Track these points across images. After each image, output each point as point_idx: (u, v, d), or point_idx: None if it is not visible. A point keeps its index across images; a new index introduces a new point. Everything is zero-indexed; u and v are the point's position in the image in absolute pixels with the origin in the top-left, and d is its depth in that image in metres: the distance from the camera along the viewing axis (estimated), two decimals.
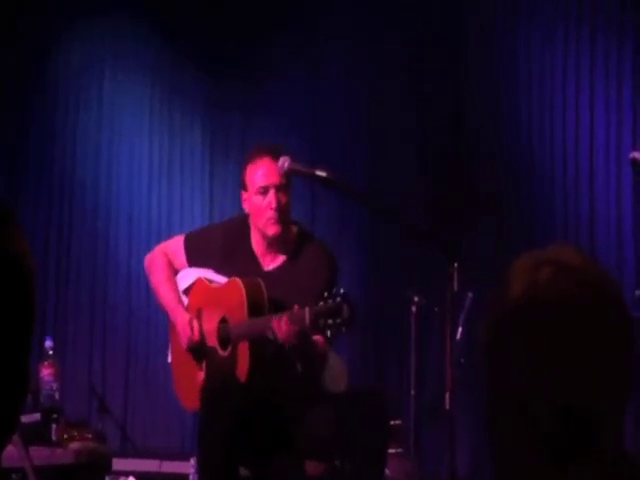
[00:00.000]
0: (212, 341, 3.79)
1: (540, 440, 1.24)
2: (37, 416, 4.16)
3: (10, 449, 3.90)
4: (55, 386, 4.23)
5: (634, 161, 5.40)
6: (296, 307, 3.42)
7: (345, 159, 6.85)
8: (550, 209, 6.68)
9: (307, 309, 3.36)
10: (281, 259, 3.82)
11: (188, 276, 3.94)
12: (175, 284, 3.95)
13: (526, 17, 6.89)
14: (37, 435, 4.10)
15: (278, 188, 3.72)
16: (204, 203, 7.37)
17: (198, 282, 3.90)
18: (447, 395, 3.26)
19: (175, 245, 4.00)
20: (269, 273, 3.78)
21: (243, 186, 3.83)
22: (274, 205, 3.70)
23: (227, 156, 7.36)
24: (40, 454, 4.04)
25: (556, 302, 1.25)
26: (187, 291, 3.96)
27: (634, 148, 6.14)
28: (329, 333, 3.33)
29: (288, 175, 3.69)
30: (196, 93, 7.45)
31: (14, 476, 4.00)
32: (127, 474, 5.16)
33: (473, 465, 6.15)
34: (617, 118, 6.61)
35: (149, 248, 7.25)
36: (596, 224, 6.57)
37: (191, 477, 4.83)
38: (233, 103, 7.39)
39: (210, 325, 3.81)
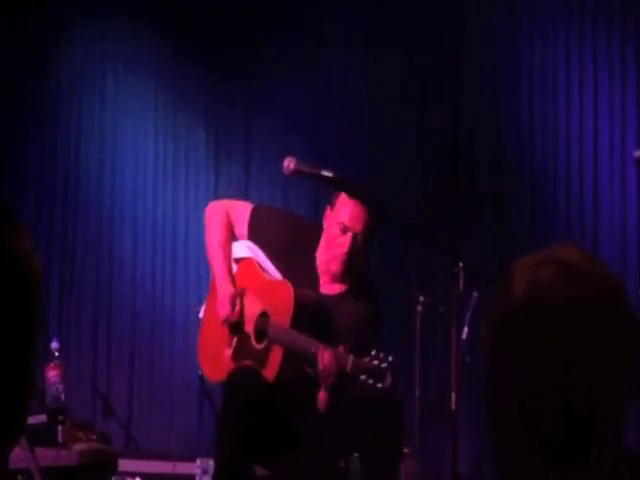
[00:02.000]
0: (249, 327, 3.75)
1: (540, 439, 1.24)
2: (43, 417, 4.17)
3: (16, 450, 3.89)
4: (61, 388, 4.24)
5: (639, 160, 5.39)
6: (341, 348, 3.41)
7: (345, 158, 6.85)
8: (553, 209, 6.67)
9: (351, 357, 3.36)
10: (338, 288, 3.79)
11: (244, 248, 3.86)
12: (230, 250, 3.85)
13: (527, 15, 6.88)
14: (43, 436, 4.11)
15: (356, 235, 3.68)
16: (208, 201, 7.33)
17: (250, 262, 3.83)
18: (452, 395, 3.25)
19: (241, 212, 3.89)
20: (323, 297, 3.75)
21: (331, 205, 3.78)
22: (346, 249, 3.68)
23: (231, 156, 7.36)
24: (46, 455, 4.05)
25: (558, 301, 1.25)
26: (237, 261, 3.87)
27: (638, 147, 6.13)
28: (363, 386, 3.34)
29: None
30: (199, 93, 7.44)
31: (20, 477, 4.01)
32: (133, 475, 5.17)
33: (476, 465, 6.14)
34: (621, 116, 6.59)
35: (154, 248, 7.35)
36: (600, 223, 6.55)
37: (197, 478, 4.83)
38: (236, 103, 7.38)
39: (250, 311, 3.76)
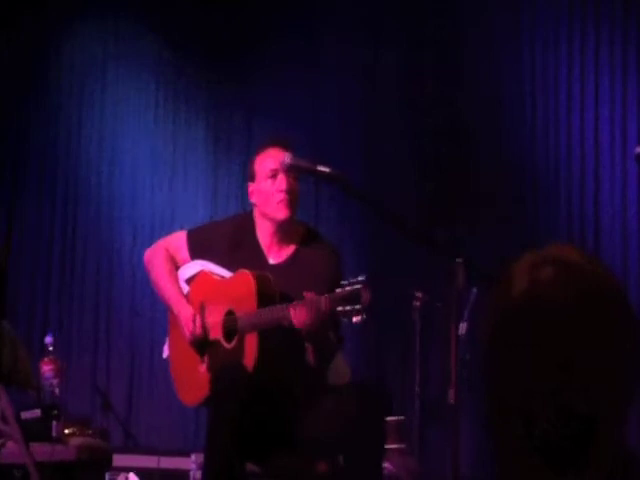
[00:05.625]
0: (216, 334, 3.73)
1: (539, 441, 1.23)
2: (37, 412, 4.16)
3: (11, 445, 3.90)
4: (55, 382, 4.23)
5: (639, 156, 5.38)
6: (312, 294, 3.38)
7: (344, 158, 6.84)
8: (555, 207, 6.66)
9: (324, 296, 3.33)
10: (287, 253, 3.78)
11: (191, 266, 3.90)
12: (176, 278, 3.90)
13: (528, 14, 6.87)
14: (38, 431, 4.10)
15: (287, 173, 3.70)
16: (207, 200, 7.37)
17: (202, 274, 3.85)
18: (451, 391, 3.24)
19: (177, 240, 3.95)
20: (275, 266, 3.74)
21: (250, 177, 3.80)
22: (284, 187, 3.68)
23: (230, 152, 7.37)
24: (41, 450, 4.04)
25: (557, 301, 1.25)
26: (189, 281, 3.92)
27: (639, 144, 6.13)
28: (347, 320, 3.31)
29: (290, 171, 3.66)
30: (199, 90, 7.45)
31: (15, 472, 4.01)
32: (128, 470, 5.15)
33: (476, 462, 6.13)
34: (622, 114, 6.59)
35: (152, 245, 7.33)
36: (601, 222, 6.54)
37: (192, 473, 4.82)
38: (236, 100, 7.39)
39: (214, 318, 3.75)
